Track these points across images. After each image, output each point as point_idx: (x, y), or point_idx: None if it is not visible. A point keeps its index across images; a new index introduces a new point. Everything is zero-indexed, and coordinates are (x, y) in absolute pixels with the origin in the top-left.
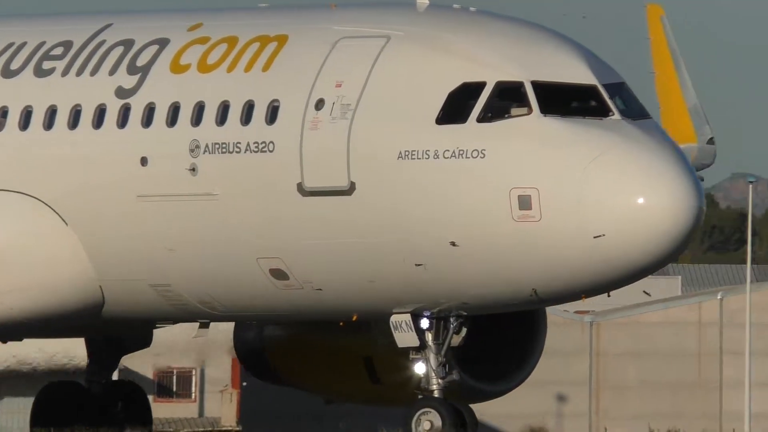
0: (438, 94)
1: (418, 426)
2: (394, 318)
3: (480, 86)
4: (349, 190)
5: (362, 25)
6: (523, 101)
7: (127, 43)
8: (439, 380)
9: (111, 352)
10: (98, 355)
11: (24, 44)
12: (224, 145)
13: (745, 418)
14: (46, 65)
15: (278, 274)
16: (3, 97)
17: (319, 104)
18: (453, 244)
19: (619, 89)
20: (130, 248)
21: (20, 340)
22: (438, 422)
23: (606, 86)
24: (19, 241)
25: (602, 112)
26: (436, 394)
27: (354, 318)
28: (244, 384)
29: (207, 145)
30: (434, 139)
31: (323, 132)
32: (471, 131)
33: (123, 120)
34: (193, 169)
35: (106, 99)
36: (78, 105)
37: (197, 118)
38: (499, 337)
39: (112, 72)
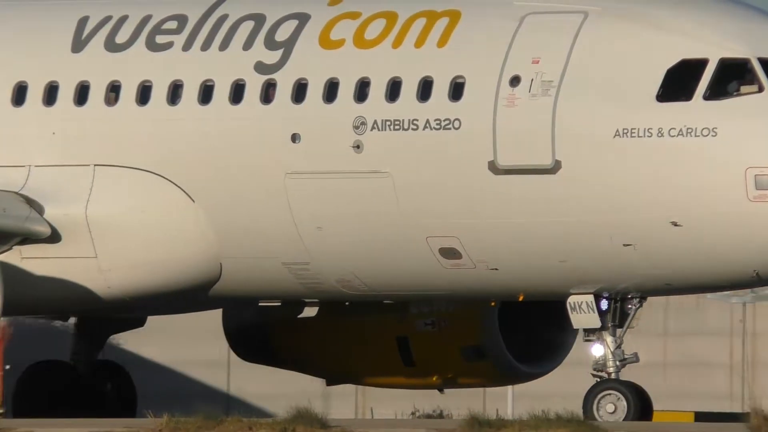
0: (654, 71)
1: (601, 408)
2: (572, 299)
3: (701, 63)
4: (554, 168)
5: (546, 0)
6: (751, 79)
7: (258, 18)
8: (618, 362)
9: (102, 330)
10: (88, 333)
11: (125, 18)
12: (397, 122)
13: None
14: (161, 39)
15: (449, 252)
16: (114, 71)
17: (515, 81)
18: (675, 224)
19: None
20: (265, 226)
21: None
22: (623, 404)
23: None
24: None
25: None
26: (613, 376)
27: (520, 297)
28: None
29: (375, 122)
30: (657, 117)
31: (522, 109)
32: (698, 108)
33: (267, 96)
34: (358, 147)
35: (243, 74)
36: (209, 80)
37: (361, 95)
38: (535, 320)
39: (246, 47)
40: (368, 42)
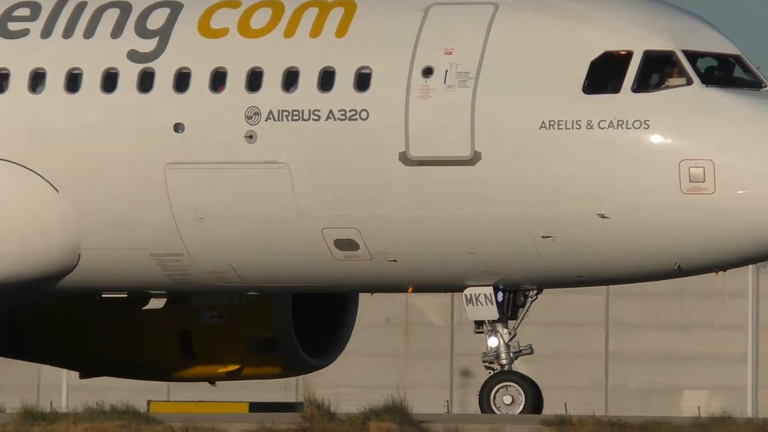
0: (578, 64)
1: (497, 400)
2: (469, 291)
3: (626, 56)
4: (473, 160)
5: None
6: (679, 71)
7: (123, 6)
8: (512, 354)
9: None
10: None
11: None
12: (295, 112)
13: None
14: (15, 27)
15: (345, 244)
16: None
17: (428, 72)
18: (602, 216)
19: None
20: (136, 217)
21: None
22: (520, 396)
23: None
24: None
25: (756, 83)
26: (506, 368)
27: (410, 290)
28: None
29: (271, 112)
30: (585, 109)
31: (438, 100)
32: (629, 101)
33: (143, 85)
34: (251, 137)
35: (115, 62)
36: (76, 68)
37: (253, 84)
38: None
39: (115, 35)
40: (256, 31)
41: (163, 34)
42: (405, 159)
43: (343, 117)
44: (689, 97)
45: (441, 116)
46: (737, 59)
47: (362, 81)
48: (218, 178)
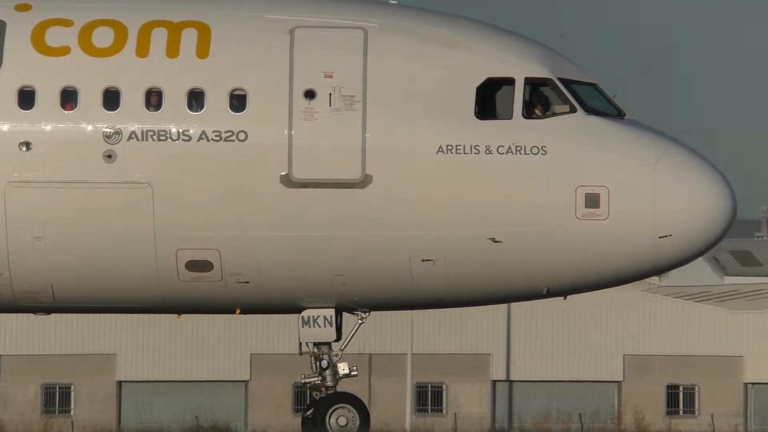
0: (463, 89)
1: (332, 421)
2: (307, 313)
3: (507, 82)
4: (363, 182)
5: (307, 13)
6: (561, 99)
7: None
8: (338, 376)
9: None
10: None
11: None
12: (162, 133)
13: None
14: None
15: (198, 265)
16: None
17: (310, 94)
18: (494, 240)
19: None
20: None
21: None
22: (354, 418)
23: None
24: None
25: (619, 111)
26: (334, 390)
27: (237, 311)
28: None
29: (134, 132)
30: (482, 134)
31: (324, 122)
32: (523, 127)
33: None
34: (110, 156)
35: None
36: None
37: (110, 103)
38: None
39: None
40: (103, 50)
41: None
42: (287, 181)
43: (218, 138)
44: (578, 125)
45: (329, 138)
46: (595, 87)
47: (237, 102)
48: (67, 197)
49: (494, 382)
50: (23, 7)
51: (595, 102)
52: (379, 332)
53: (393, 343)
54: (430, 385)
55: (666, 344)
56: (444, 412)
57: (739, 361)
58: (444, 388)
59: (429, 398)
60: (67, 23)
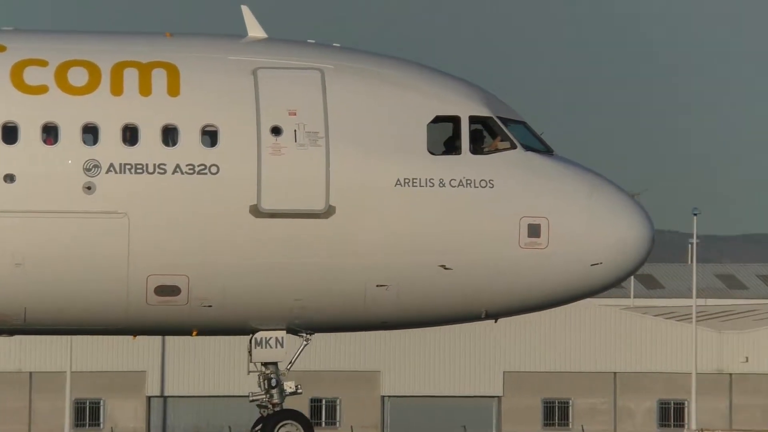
0: (415, 126)
1: None
2: (260, 335)
3: (453, 120)
4: (326, 213)
5: (266, 55)
6: (502, 136)
7: None
8: (285, 394)
9: None
10: None
11: None
12: (139, 166)
13: None
14: None
15: (166, 290)
16: None
17: (276, 131)
18: (444, 267)
19: None
20: None
21: None
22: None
23: None
24: None
25: (548, 148)
26: (280, 407)
27: (194, 333)
28: None
29: (112, 165)
30: (436, 168)
31: (290, 157)
32: (471, 162)
33: None
34: (89, 188)
35: None
36: None
37: (89, 138)
38: None
39: None
40: (79, 89)
41: None
42: (255, 211)
43: (192, 171)
44: (519, 160)
45: (294, 172)
46: (525, 126)
47: (209, 138)
48: (47, 226)
49: (149, 398)
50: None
51: (527, 139)
52: (38, 351)
53: (53, 362)
54: (88, 401)
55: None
56: (101, 426)
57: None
58: (102, 404)
59: (87, 414)
60: (42, 63)
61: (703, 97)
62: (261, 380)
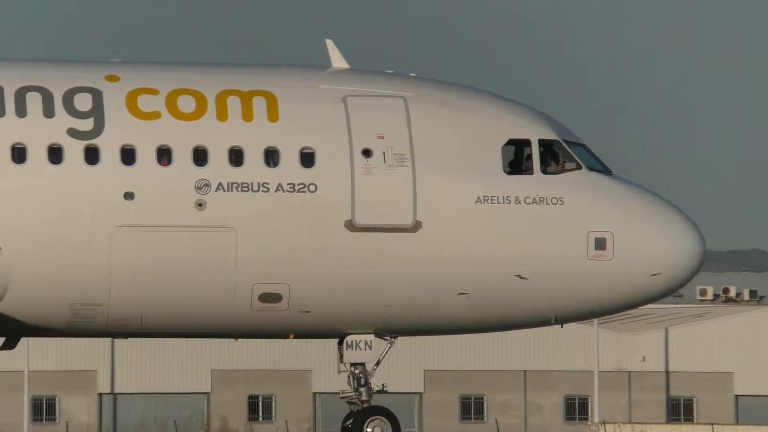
0: (491, 148)
1: (369, 430)
2: (351, 338)
3: (525, 143)
4: (414, 227)
5: (353, 84)
6: (567, 157)
7: (42, 90)
8: (373, 392)
9: None
10: None
11: None
12: (245, 185)
13: None
14: None
15: (269, 297)
16: None
17: (367, 153)
18: (520, 277)
19: None
20: (71, 272)
21: None
22: (387, 428)
23: None
24: None
25: (608, 169)
26: (368, 404)
27: (291, 336)
28: None
29: (220, 184)
30: (512, 187)
31: (380, 176)
32: (543, 181)
33: (91, 158)
34: (201, 204)
35: (57, 139)
36: (19, 143)
37: (199, 160)
38: None
39: (48, 115)
40: (188, 115)
41: (97, 115)
42: (350, 226)
43: (292, 189)
44: (584, 180)
45: (384, 190)
46: (585, 148)
47: (307, 159)
48: (163, 239)
49: (100, 394)
50: (113, 78)
51: (589, 160)
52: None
53: (12, 362)
54: (45, 398)
55: None
56: (57, 421)
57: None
58: (57, 400)
59: (44, 410)
60: (154, 92)
61: None
62: (351, 379)
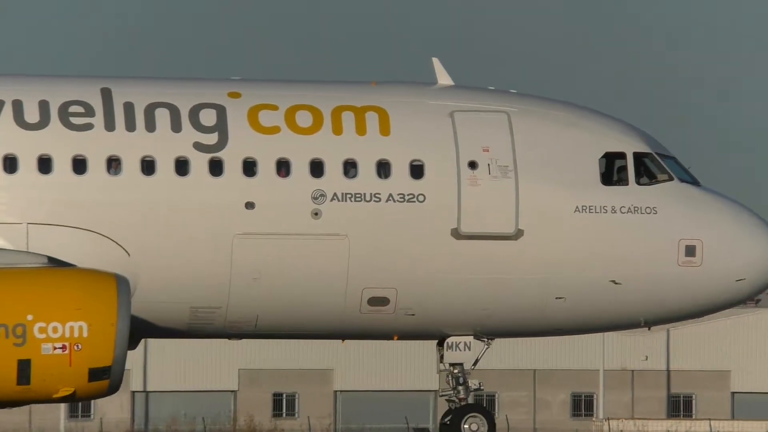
0: (589, 160)
1: (466, 426)
2: (451, 339)
3: (620, 155)
4: (516, 235)
5: (459, 100)
6: (661, 169)
7: (170, 107)
8: (471, 391)
9: None
10: None
11: (21, 102)
12: (358, 195)
13: None
14: (77, 121)
15: (377, 301)
16: (44, 146)
17: (472, 165)
18: (614, 282)
19: None
20: (194, 276)
21: None
22: (483, 425)
23: None
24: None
25: (696, 180)
26: (466, 402)
27: (395, 338)
28: None
29: (335, 194)
30: (608, 197)
31: (485, 187)
32: (637, 191)
33: (215, 170)
34: (317, 214)
35: (184, 152)
36: (148, 156)
37: (316, 171)
38: None
39: (176, 129)
40: (305, 129)
41: (221, 130)
42: (456, 234)
43: (402, 199)
44: (676, 190)
45: (489, 200)
46: (675, 161)
47: (416, 171)
48: (281, 246)
49: (133, 392)
50: (235, 95)
51: (679, 172)
52: None
53: None
54: None
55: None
56: (92, 417)
57: None
58: None
59: (79, 407)
60: (273, 107)
61: None
62: (450, 378)
